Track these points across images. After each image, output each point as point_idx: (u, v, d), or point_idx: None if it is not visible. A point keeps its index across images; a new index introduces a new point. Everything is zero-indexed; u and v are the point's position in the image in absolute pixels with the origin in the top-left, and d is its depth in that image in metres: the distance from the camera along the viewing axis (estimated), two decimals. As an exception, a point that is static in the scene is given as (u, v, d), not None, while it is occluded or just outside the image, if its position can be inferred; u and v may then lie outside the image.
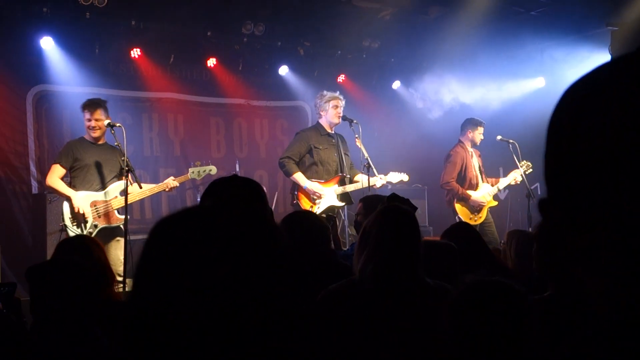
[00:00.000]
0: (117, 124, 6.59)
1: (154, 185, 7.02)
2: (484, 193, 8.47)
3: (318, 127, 7.72)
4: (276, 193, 10.45)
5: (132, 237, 6.72)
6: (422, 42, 10.20)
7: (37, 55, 8.41)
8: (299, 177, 7.41)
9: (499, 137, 8.49)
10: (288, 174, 7.49)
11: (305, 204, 7.37)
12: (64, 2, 8.15)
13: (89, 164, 6.54)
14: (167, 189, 6.84)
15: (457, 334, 1.99)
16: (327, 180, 7.51)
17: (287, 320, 1.13)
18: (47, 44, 8.33)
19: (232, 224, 1.13)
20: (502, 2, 8.95)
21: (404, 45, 10.56)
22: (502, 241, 4.87)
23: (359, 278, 2.88)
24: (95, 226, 6.41)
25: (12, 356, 2.71)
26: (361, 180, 7.44)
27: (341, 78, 10.84)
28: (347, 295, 2.85)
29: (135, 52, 9.01)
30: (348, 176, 7.57)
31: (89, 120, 6.62)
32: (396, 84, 11.36)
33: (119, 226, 6.58)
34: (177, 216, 1.16)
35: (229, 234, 1.11)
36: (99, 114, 6.60)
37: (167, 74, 9.53)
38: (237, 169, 9.20)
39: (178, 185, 6.95)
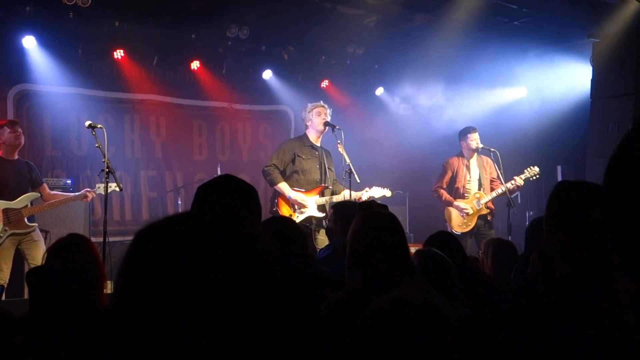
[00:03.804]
0: (99, 125, 6.63)
1: (70, 194, 7.42)
2: (473, 201, 8.50)
3: (303, 137, 7.77)
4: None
5: (111, 239, 6.72)
6: (407, 49, 10.24)
7: (19, 54, 8.35)
8: (284, 186, 7.42)
9: (480, 146, 8.53)
10: (272, 183, 7.48)
11: (284, 212, 7.36)
12: (48, 2, 8.09)
13: (5, 179, 6.97)
14: (83, 199, 7.34)
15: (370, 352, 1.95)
16: (308, 190, 7.51)
17: (273, 329, 1.13)
18: (30, 43, 8.27)
19: (217, 232, 1.12)
20: (486, 12, 9.00)
21: (388, 52, 10.59)
22: (480, 251, 4.89)
23: (362, 287, 2.82)
24: (5, 230, 6.87)
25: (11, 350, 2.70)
26: (344, 196, 7.42)
27: (325, 83, 10.86)
28: (352, 305, 2.79)
29: (119, 53, 8.96)
30: (330, 187, 7.58)
31: (16, 132, 7.06)
32: (379, 91, 11.39)
33: (30, 232, 7.04)
34: (162, 223, 1.16)
35: (213, 242, 1.11)
36: (19, 128, 7.13)
37: (150, 76, 9.49)
38: (219, 172, 9.17)
39: (95, 195, 7.37)
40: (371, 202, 3.22)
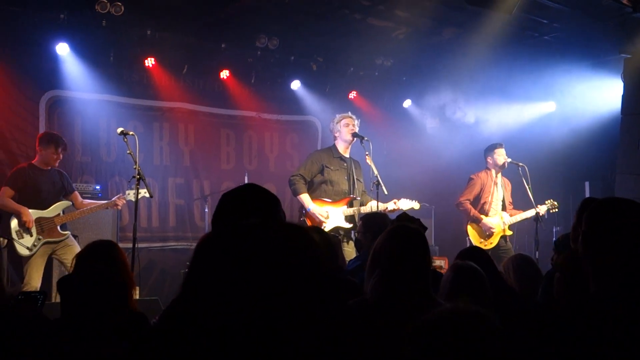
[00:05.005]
0: (130, 132, 6.75)
1: (101, 202, 7.56)
2: (499, 221, 8.46)
3: (332, 149, 7.82)
4: (284, 207, 10.47)
5: (139, 245, 6.81)
6: (435, 62, 10.23)
7: (52, 61, 8.47)
8: (305, 198, 7.45)
9: (508, 160, 8.49)
10: (295, 192, 7.52)
11: (312, 223, 7.38)
12: (81, 10, 8.21)
13: (37, 187, 7.13)
14: (112, 207, 7.51)
15: None
16: (336, 201, 7.52)
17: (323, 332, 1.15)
18: (63, 50, 8.39)
19: (281, 241, 1.15)
20: (516, 26, 8.96)
21: (416, 64, 10.59)
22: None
23: (372, 298, 2.86)
24: (39, 239, 7.00)
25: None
26: (371, 207, 7.42)
27: (352, 95, 10.88)
28: (359, 314, 2.83)
29: (150, 61, 9.06)
30: (358, 198, 7.59)
31: (59, 155, 7.26)
32: (407, 103, 11.39)
33: (64, 240, 7.19)
34: (205, 236, 1.19)
35: (278, 251, 1.13)
36: (62, 148, 7.30)
37: (180, 84, 9.58)
38: (246, 181, 9.22)
39: (125, 202, 7.49)
40: (405, 215, 3.23)
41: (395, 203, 7.52)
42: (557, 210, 8.49)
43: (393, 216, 8.20)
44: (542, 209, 8.36)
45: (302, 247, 1.18)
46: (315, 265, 1.18)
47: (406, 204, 7.60)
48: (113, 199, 7.40)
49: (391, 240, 2.96)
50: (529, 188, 8.24)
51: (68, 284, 3.03)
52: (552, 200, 8.48)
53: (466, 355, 1.82)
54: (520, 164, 8.34)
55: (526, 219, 8.49)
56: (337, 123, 7.74)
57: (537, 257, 7.67)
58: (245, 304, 1.09)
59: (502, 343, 1.87)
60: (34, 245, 6.93)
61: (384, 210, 7.33)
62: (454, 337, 1.84)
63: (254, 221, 1.20)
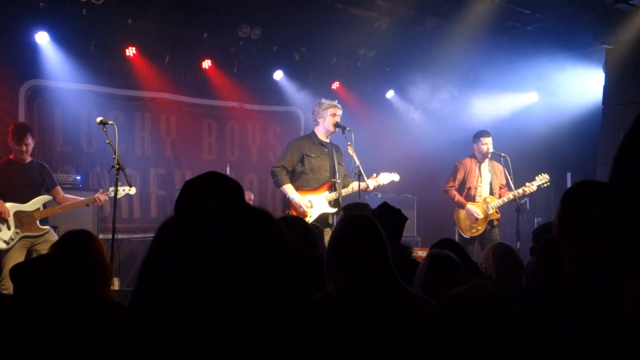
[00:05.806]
0: (110, 122, 6.65)
1: (82, 198, 7.39)
2: (484, 205, 8.46)
3: (312, 135, 7.71)
4: (266, 198, 10.45)
5: (119, 236, 6.75)
6: (418, 52, 10.22)
7: (32, 50, 8.38)
8: (289, 188, 7.40)
9: (491, 150, 8.51)
10: (278, 184, 7.46)
11: (296, 212, 7.35)
12: (61, -2, 8.14)
13: (16, 182, 6.96)
14: (93, 203, 7.31)
15: (434, 346, 1.95)
16: (317, 188, 7.48)
17: (289, 321, 1.13)
18: (42, 39, 8.30)
19: (243, 226, 1.12)
20: (498, 17, 8.97)
21: (399, 55, 10.58)
22: (481, 263, 4.86)
23: (332, 292, 2.83)
24: (17, 233, 6.87)
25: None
26: (352, 188, 7.40)
27: (335, 85, 10.85)
28: (320, 310, 2.79)
29: (131, 51, 8.97)
30: (339, 182, 7.55)
31: (21, 147, 6.98)
32: (390, 94, 11.38)
33: (43, 234, 7.02)
34: (187, 217, 1.16)
35: (258, 233, 1.10)
36: (28, 138, 7.02)
37: (161, 74, 9.50)
38: (228, 172, 9.18)
39: (107, 199, 7.29)
40: (385, 205, 3.21)
41: (375, 180, 7.48)
42: (549, 184, 8.43)
43: (378, 200, 8.23)
44: (532, 187, 8.31)
45: (279, 230, 1.16)
46: (290, 247, 1.15)
47: (386, 178, 7.60)
48: (95, 195, 7.28)
49: (340, 232, 2.93)
50: (511, 179, 8.25)
51: (20, 272, 2.98)
52: (542, 174, 8.41)
53: (485, 331, 1.83)
54: (503, 154, 8.36)
55: (512, 201, 8.45)
56: (324, 109, 7.60)
57: (518, 247, 7.70)
58: (227, 289, 1.06)
59: (517, 322, 1.89)
60: (12, 239, 6.80)
61: (365, 189, 7.31)
62: (474, 315, 1.86)
63: (221, 203, 1.17)
